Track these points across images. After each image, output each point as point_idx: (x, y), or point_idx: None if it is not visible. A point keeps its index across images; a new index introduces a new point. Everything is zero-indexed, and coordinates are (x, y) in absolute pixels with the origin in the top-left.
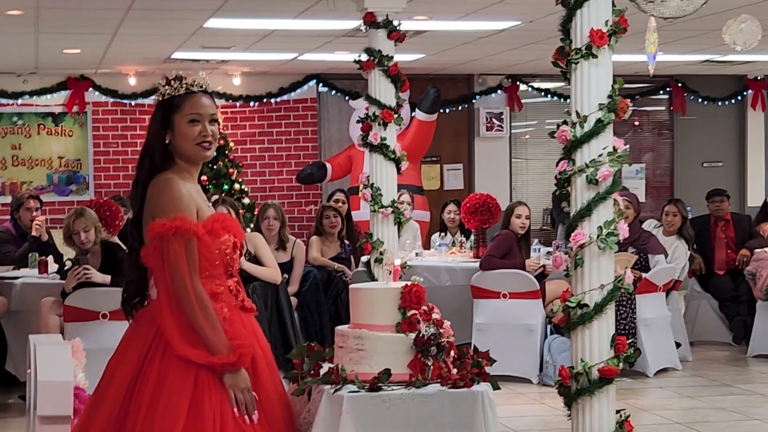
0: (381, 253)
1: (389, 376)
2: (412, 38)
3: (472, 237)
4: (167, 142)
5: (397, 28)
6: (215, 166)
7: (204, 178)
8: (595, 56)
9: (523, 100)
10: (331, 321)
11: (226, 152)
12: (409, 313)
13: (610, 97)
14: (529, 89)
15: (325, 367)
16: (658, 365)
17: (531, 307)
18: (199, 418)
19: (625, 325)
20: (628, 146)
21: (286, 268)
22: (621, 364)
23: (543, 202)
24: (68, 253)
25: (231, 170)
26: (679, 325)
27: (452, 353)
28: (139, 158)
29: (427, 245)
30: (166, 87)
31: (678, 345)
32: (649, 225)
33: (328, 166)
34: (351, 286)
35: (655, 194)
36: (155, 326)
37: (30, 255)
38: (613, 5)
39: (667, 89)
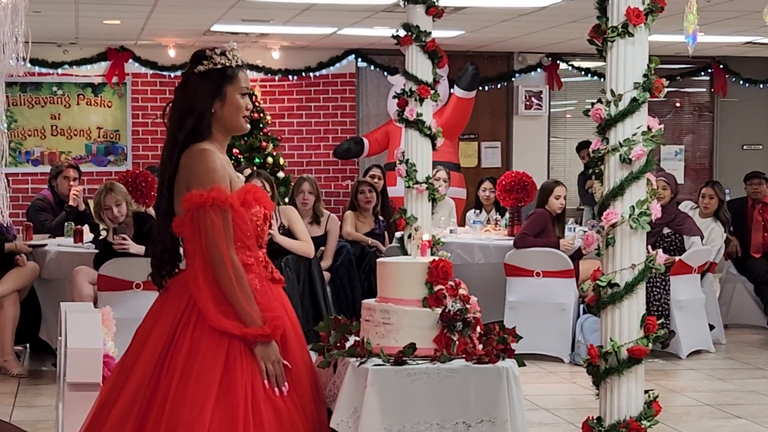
0: (415, 230)
1: (414, 350)
2: (451, 15)
3: (507, 215)
4: (213, 111)
5: (435, 3)
6: (249, 139)
7: (236, 150)
8: (631, 35)
9: (563, 79)
10: (363, 296)
11: (261, 125)
12: (436, 288)
13: (645, 76)
14: (570, 68)
15: (352, 340)
16: (691, 347)
17: (564, 286)
18: (231, 388)
19: (659, 306)
20: (662, 126)
21: (320, 242)
22: (650, 345)
23: None
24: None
25: (264, 144)
26: (713, 307)
27: (478, 329)
28: (177, 119)
29: (462, 222)
30: (222, 57)
31: (711, 327)
32: (685, 207)
33: (366, 141)
34: (378, 260)
35: (694, 176)
36: (187, 296)
37: (66, 224)
38: None
39: (709, 71)
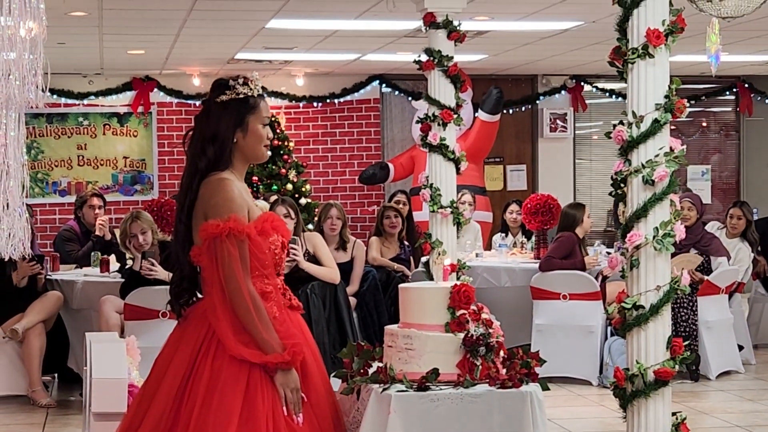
0: (438, 254)
1: (437, 376)
2: (474, 38)
3: (533, 238)
4: (235, 141)
5: (457, 28)
6: (269, 167)
7: (255, 178)
8: (651, 56)
9: (587, 101)
10: (389, 321)
11: (281, 152)
12: (458, 313)
13: (666, 97)
14: (594, 89)
15: (375, 366)
16: (720, 368)
17: (591, 308)
18: (252, 417)
19: (686, 327)
20: (685, 147)
21: (347, 268)
22: (677, 366)
23: (607, 204)
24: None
25: (283, 171)
26: (742, 327)
27: (501, 353)
28: (199, 147)
29: (489, 246)
30: (244, 87)
31: (741, 348)
32: (711, 227)
33: (391, 166)
34: (401, 285)
35: (722, 196)
36: (206, 325)
37: (92, 254)
38: (671, 5)
39: (734, 90)
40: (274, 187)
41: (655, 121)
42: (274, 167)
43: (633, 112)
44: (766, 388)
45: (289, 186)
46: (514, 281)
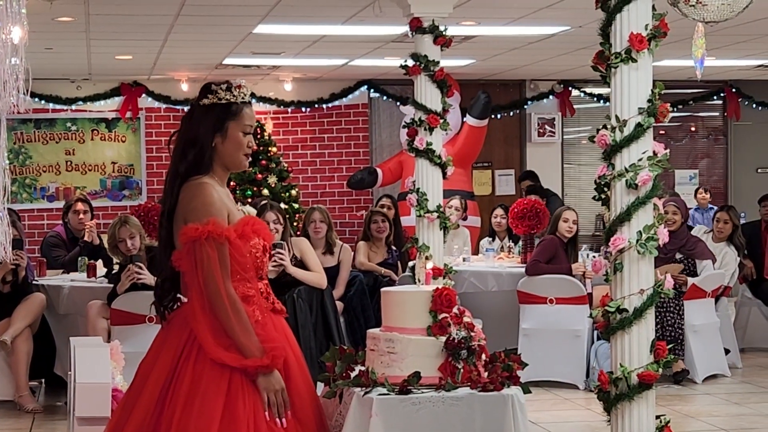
0: (427, 258)
1: (419, 379)
2: (461, 43)
3: (520, 242)
4: (213, 145)
5: (443, 33)
6: (250, 169)
7: (232, 183)
8: (634, 60)
9: (575, 106)
10: (377, 326)
11: (260, 158)
12: (440, 317)
13: (650, 101)
14: (582, 94)
15: (357, 369)
16: (707, 372)
17: (577, 312)
18: (233, 421)
19: (673, 331)
20: (668, 151)
21: (334, 272)
22: (660, 369)
23: (595, 208)
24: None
25: (259, 176)
26: (728, 331)
27: (483, 356)
28: (180, 150)
29: (477, 251)
30: (227, 92)
31: (727, 351)
32: (698, 231)
33: (379, 171)
34: (383, 289)
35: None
36: (188, 330)
37: (79, 259)
38: (654, 9)
39: (721, 94)
40: (248, 192)
41: (639, 125)
42: (253, 170)
43: (616, 116)
44: (753, 392)
45: (266, 191)
46: (500, 285)
